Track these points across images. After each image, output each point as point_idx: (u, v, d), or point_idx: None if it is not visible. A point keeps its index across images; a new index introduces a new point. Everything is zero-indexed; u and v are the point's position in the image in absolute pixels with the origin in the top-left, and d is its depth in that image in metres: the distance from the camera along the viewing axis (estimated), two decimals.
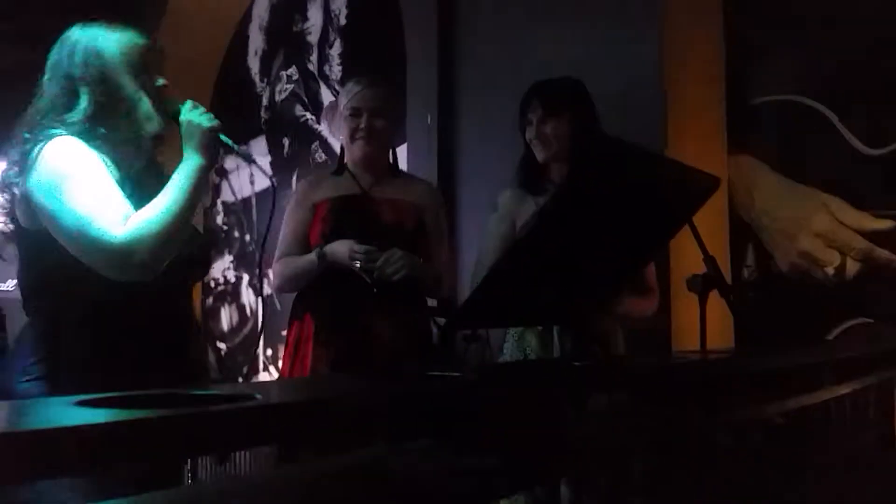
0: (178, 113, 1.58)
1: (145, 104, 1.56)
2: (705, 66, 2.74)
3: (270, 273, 2.40)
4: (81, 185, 1.43)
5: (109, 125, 1.52)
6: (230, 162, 5.34)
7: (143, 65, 1.58)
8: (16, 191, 1.53)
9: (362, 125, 2.27)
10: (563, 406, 0.88)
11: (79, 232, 1.41)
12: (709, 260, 1.69)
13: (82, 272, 1.47)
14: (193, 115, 1.56)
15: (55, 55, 1.58)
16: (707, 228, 1.74)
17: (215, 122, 1.56)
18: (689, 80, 2.67)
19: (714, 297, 1.78)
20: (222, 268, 5.38)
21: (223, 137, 1.56)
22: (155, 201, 1.47)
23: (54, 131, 1.49)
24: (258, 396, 0.56)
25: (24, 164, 1.50)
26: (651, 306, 2.24)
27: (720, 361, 1.50)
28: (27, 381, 1.50)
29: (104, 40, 1.57)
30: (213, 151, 1.55)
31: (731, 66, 2.76)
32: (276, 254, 2.35)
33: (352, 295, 2.19)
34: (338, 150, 2.45)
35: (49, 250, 1.49)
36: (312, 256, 2.23)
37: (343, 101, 2.35)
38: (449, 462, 0.65)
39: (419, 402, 0.67)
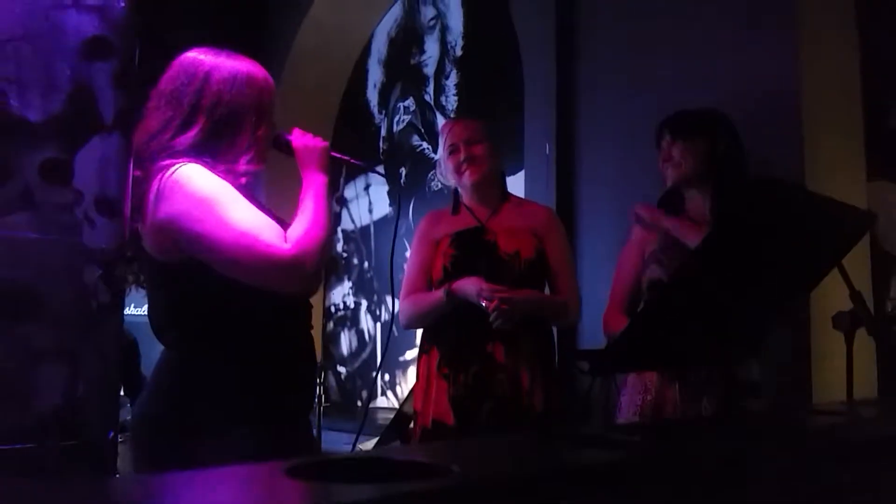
0: (289, 144, 1.68)
1: (253, 144, 1.60)
2: (842, 90, 2.62)
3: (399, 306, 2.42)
4: (234, 205, 1.46)
5: (212, 154, 1.54)
6: (350, 191, 5.51)
7: (269, 108, 1.64)
8: (139, 225, 1.53)
9: (463, 156, 2.34)
10: (745, 473, 0.86)
11: (246, 248, 1.44)
12: (856, 296, 1.60)
13: (221, 301, 1.51)
14: (306, 140, 1.67)
15: (177, 81, 1.59)
16: (849, 260, 1.65)
17: (326, 143, 1.67)
18: (825, 105, 2.55)
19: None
20: (342, 294, 5.53)
21: (334, 155, 1.69)
22: (301, 218, 1.53)
23: (170, 160, 1.49)
24: (454, 469, 0.55)
25: (145, 196, 1.50)
26: None
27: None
28: (161, 412, 1.56)
29: (242, 77, 1.59)
30: (329, 167, 1.65)
31: (868, 89, 2.63)
32: (402, 291, 2.38)
33: (475, 328, 2.21)
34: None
35: (183, 283, 1.52)
36: (440, 294, 2.25)
37: (440, 147, 2.44)
38: None
39: (597, 470, 0.66)
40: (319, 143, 1.68)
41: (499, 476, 0.58)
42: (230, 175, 1.54)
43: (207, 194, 1.46)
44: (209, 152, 1.54)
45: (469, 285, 2.20)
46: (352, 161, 1.84)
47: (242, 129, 1.58)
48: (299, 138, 1.68)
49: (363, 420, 2.87)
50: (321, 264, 1.51)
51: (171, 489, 0.52)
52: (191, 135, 1.54)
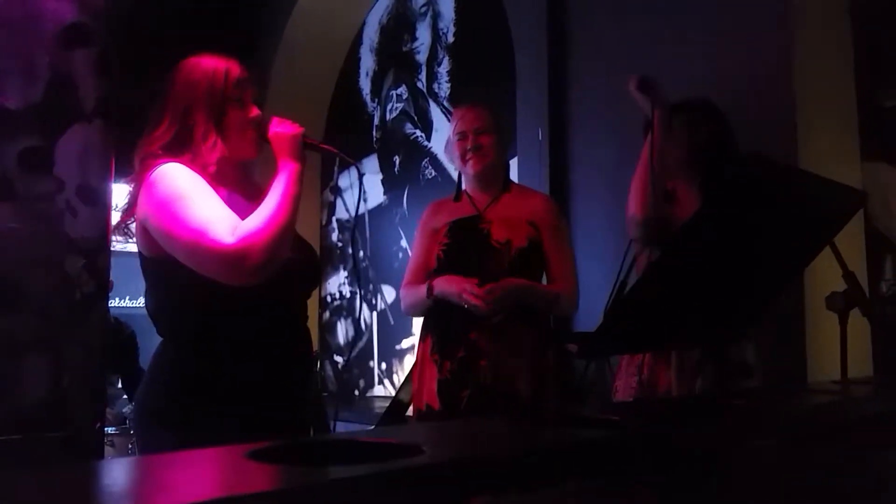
0: (265, 132, 1.67)
1: (211, 130, 1.63)
2: (835, 71, 2.60)
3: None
4: (191, 203, 1.52)
5: (183, 148, 1.60)
6: (344, 180, 5.48)
7: (223, 93, 1.65)
8: (133, 221, 1.62)
9: (469, 145, 2.34)
10: (733, 453, 0.84)
11: (194, 244, 1.49)
12: (849, 276, 1.60)
13: (205, 295, 1.54)
14: (279, 128, 1.67)
15: (160, 87, 1.68)
16: (843, 241, 1.64)
17: (299, 129, 1.66)
18: (818, 86, 2.53)
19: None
20: (338, 283, 5.52)
21: (307, 141, 1.67)
22: (260, 210, 1.55)
23: (153, 161, 1.58)
24: (425, 450, 0.54)
25: (135, 194, 1.60)
26: None
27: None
28: (158, 403, 1.57)
29: (197, 72, 1.66)
30: (301, 154, 1.65)
31: (861, 69, 2.61)
32: (404, 279, 2.42)
33: (461, 315, 2.21)
34: (450, 169, 2.52)
35: (171, 276, 1.57)
36: (423, 290, 2.30)
37: (451, 130, 2.45)
38: None
39: (583, 450, 0.65)
40: (291, 129, 1.67)
41: (467, 457, 0.58)
42: (199, 166, 1.58)
43: (171, 192, 1.53)
44: (180, 147, 1.60)
45: (449, 285, 2.23)
46: (324, 147, 1.80)
47: (196, 118, 1.62)
48: (275, 125, 1.69)
49: (338, 405, 2.86)
50: (271, 256, 1.51)
51: (129, 473, 0.51)
52: (158, 133, 1.61)
